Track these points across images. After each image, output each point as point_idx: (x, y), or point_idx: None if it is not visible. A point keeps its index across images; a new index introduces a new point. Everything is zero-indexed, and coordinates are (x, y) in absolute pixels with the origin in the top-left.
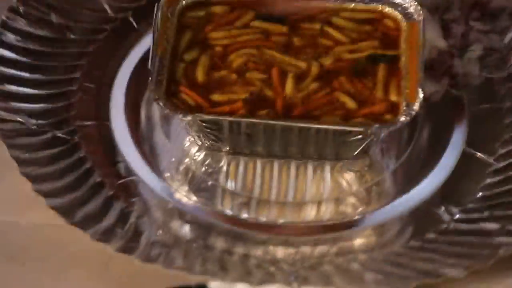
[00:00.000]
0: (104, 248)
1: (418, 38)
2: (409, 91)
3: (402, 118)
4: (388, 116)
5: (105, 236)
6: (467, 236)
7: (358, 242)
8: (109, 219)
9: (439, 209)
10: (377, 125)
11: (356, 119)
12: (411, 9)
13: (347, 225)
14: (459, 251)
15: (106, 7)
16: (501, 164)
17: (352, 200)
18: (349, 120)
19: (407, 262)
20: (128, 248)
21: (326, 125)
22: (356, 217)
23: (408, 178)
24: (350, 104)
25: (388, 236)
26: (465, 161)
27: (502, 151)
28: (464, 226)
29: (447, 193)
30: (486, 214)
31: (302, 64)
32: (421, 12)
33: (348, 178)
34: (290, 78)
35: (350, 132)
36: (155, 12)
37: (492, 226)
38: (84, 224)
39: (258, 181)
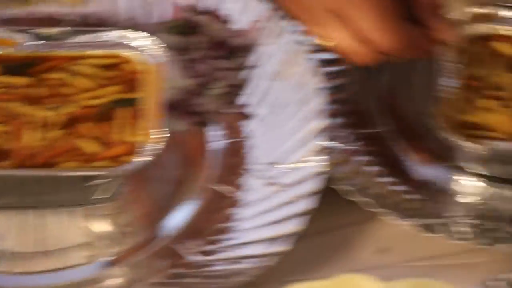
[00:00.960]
0: None
1: (159, 79)
2: (148, 131)
3: (137, 159)
4: (125, 158)
5: None
6: (206, 268)
7: (111, 282)
8: None
9: (181, 244)
10: (110, 168)
11: (98, 162)
12: (152, 51)
13: (100, 266)
14: (199, 283)
15: None
16: (246, 197)
17: (104, 242)
18: (89, 165)
19: None
20: None
21: (60, 171)
22: (109, 258)
23: (158, 217)
24: (89, 148)
25: (138, 274)
26: (209, 196)
27: (241, 183)
28: (202, 258)
29: (191, 228)
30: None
31: (46, 114)
32: (163, 52)
33: (99, 221)
34: (31, 128)
35: (90, 177)
36: None
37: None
38: None
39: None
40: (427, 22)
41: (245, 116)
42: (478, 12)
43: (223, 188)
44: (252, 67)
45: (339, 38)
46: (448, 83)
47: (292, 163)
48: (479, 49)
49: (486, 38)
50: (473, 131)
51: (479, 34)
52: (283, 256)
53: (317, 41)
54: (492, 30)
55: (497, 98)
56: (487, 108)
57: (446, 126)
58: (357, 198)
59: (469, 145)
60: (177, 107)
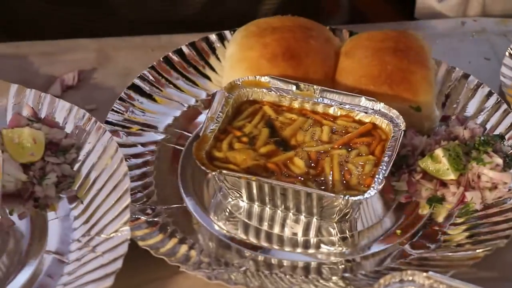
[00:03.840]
0: None
1: None
2: None
3: None
4: None
5: None
6: None
7: None
8: None
9: None
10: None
11: None
12: None
13: None
14: None
15: None
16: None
17: None
18: None
19: None
20: None
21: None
22: None
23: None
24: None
25: None
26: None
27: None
28: None
29: None
30: None
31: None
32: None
33: None
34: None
35: None
36: None
37: None
38: None
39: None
40: None
41: (75, 199)
42: (250, 80)
43: (57, 256)
44: (77, 161)
45: None
46: (211, 126)
47: (109, 233)
48: (245, 106)
49: (253, 100)
50: (218, 162)
51: (248, 96)
52: None
53: None
54: (259, 94)
55: (243, 142)
56: (234, 148)
57: (199, 157)
58: (158, 255)
59: (210, 172)
60: (20, 195)
